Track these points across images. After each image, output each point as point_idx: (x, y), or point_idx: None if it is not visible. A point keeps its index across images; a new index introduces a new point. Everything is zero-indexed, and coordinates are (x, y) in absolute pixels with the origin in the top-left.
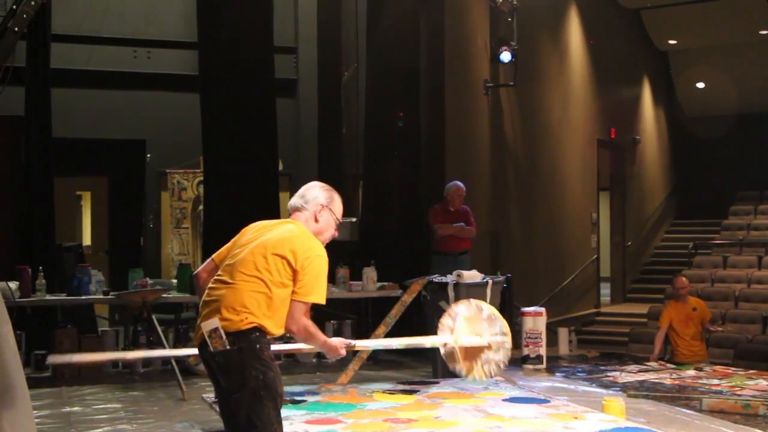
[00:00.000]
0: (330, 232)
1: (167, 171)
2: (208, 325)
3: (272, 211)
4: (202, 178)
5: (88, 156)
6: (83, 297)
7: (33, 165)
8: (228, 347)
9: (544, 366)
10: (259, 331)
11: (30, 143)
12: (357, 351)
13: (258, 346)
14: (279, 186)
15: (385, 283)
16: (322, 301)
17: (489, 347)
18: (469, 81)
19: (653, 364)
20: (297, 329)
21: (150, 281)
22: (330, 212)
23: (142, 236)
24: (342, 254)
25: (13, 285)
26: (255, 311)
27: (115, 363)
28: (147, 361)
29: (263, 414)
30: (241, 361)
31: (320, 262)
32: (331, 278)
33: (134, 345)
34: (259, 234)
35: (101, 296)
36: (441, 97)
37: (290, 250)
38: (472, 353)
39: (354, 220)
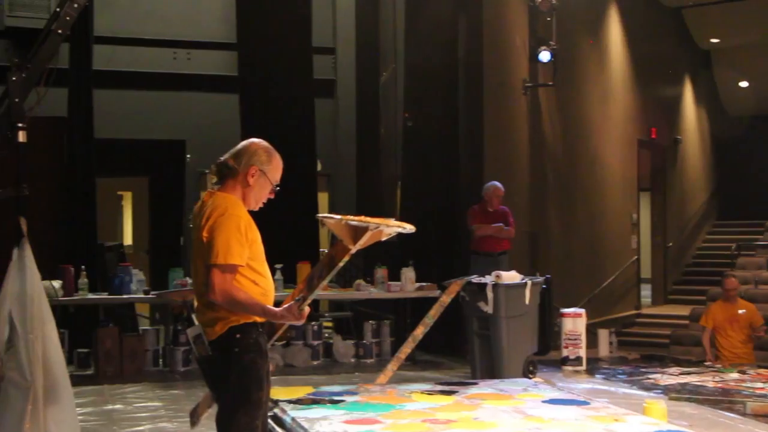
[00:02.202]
0: (262, 198)
1: (206, 171)
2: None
3: (310, 211)
4: None
5: (130, 156)
6: (124, 296)
7: (75, 165)
8: (210, 353)
9: (583, 368)
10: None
11: (72, 144)
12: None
13: (237, 349)
14: (317, 186)
15: (424, 284)
16: (237, 260)
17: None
18: (508, 81)
19: (708, 363)
20: (219, 297)
21: (190, 281)
22: (264, 176)
23: (182, 236)
24: (380, 254)
25: (57, 284)
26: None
27: (155, 361)
28: (187, 360)
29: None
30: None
31: (226, 219)
32: (370, 278)
33: (174, 344)
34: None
35: (142, 295)
36: (480, 97)
37: (205, 228)
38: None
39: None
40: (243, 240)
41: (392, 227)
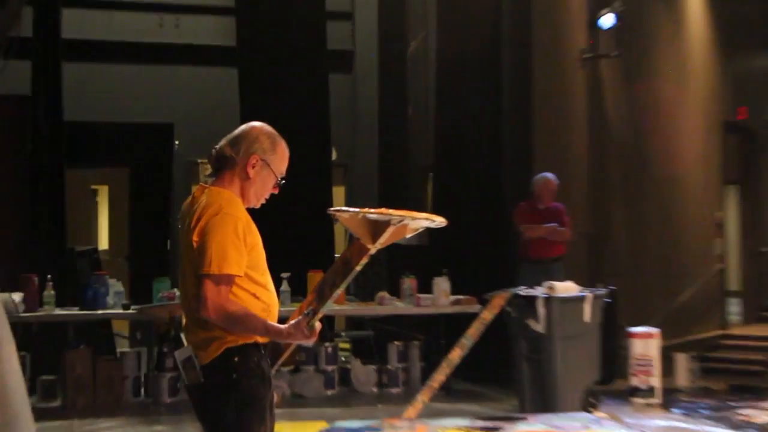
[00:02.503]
0: (264, 194)
1: (199, 161)
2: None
3: (323, 208)
4: None
5: (106, 143)
6: (99, 312)
7: (41, 154)
8: (202, 380)
9: (657, 400)
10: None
11: (37, 128)
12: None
13: (235, 375)
14: (332, 179)
15: (461, 297)
16: (233, 269)
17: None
18: (562, 52)
19: None
20: (213, 313)
21: (178, 293)
22: (267, 167)
23: (168, 239)
24: (408, 261)
25: (17, 297)
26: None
27: (136, 391)
28: (174, 389)
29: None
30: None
31: (221, 220)
32: (395, 290)
33: (159, 369)
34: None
35: (120, 311)
36: (528, 71)
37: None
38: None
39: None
40: (240, 245)
41: (419, 220)
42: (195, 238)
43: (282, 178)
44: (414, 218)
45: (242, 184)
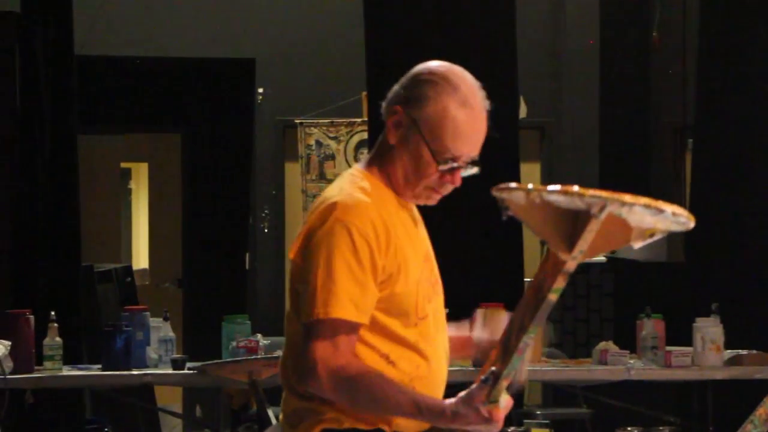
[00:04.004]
0: (419, 180)
1: (297, 121)
2: None
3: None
4: (366, 136)
5: (145, 95)
6: (134, 372)
7: (38, 109)
8: None
9: None
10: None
11: (31, 66)
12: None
13: None
14: (518, 147)
15: (742, 353)
16: (349, 313)
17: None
18: None
19: None
20: (328, 383)
21: (264, 341)
22: (416, 130)
23: (247, 251)
24: (650, 291)
25: (1, 348)
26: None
27: None
28: None
29: None
30: None
31: (326, 233)
32: (626, 339)
33: None
34: None
35: (169, 370)
36: None
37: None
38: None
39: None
40: (363, 274)
41: (651, 215)
42: (294, 257)
43: (454, 162)
44: (647, 206)
45: (388, 158)
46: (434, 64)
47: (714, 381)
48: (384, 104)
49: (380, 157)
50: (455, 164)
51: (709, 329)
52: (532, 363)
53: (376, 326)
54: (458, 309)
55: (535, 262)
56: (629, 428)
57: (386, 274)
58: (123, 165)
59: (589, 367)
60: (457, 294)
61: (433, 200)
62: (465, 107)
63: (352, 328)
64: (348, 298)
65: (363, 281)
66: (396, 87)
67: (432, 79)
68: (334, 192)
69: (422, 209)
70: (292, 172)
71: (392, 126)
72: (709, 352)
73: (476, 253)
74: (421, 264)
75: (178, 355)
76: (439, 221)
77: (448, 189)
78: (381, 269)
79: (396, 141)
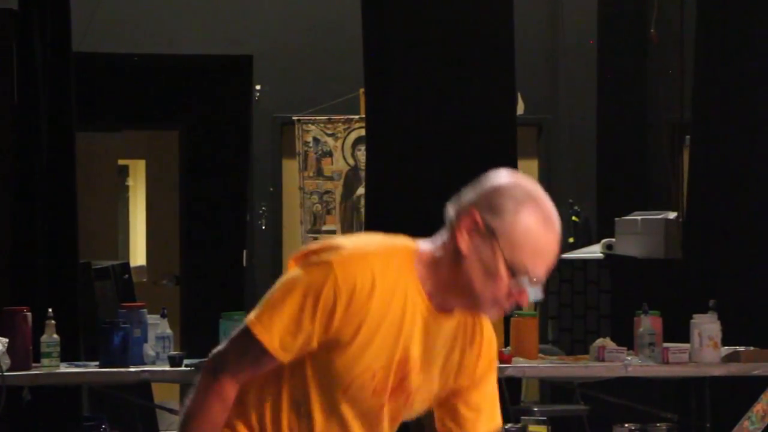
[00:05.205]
0: (486, 294)
1: (294, 118)
2: None
3: None
4: (363, 133)
5: (143, 92)
6: (132, 369)
7: (35, 107)
8: None
9: None
10: None
11: (29, 64)
12: None
13: None
14: (516, 144)
15: (739, 349)
16: (268, 342)
17: None
18: None
19: None
20: (202, 372)
21: None
22: (487, 239)
23: (245, 248)
24: (648, 287)
25: None
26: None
27: None
28: None
29: None
30: None
31: (319, 267)
32: (623, 335)
33: None
34: None
35: (167, 367)
36: None
37: None
38: None
39: (672, 216)
40: (312, 323)
41: None
42: (289, 264)
43: (528, 278)
44: None
45: (447, 260)
46: (515, 177)
47: (711, 377)
48: (454, 206)
49: (437, 255)
50: (529, 282)
51: (706, 326)
52: (530, 359)
53: (298, 372)
54: None
55: None
56: (627, 425)
57: (335, 336)
58: (120, 162)
59: (586, 364)
60: None
61: (494, 316)
62: (546, 226)
63: (265, 355)
64: (279, 330)
65: (303, 327)
66: (470, 192)
67: (515, 192)
68: (365, 241)
69: (418, 214)
70: (290, 169)
71: (465, 230)
72: (706, 348)
73: None
74: (396, 360)
75: (176, 352)
76: (436, 221)
77: (511, 306)
78: (334, 329)
79: (466, 247)
